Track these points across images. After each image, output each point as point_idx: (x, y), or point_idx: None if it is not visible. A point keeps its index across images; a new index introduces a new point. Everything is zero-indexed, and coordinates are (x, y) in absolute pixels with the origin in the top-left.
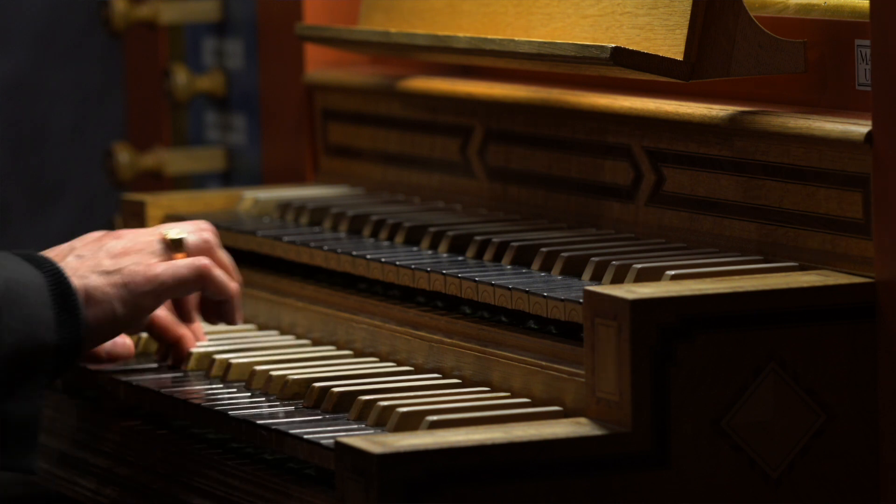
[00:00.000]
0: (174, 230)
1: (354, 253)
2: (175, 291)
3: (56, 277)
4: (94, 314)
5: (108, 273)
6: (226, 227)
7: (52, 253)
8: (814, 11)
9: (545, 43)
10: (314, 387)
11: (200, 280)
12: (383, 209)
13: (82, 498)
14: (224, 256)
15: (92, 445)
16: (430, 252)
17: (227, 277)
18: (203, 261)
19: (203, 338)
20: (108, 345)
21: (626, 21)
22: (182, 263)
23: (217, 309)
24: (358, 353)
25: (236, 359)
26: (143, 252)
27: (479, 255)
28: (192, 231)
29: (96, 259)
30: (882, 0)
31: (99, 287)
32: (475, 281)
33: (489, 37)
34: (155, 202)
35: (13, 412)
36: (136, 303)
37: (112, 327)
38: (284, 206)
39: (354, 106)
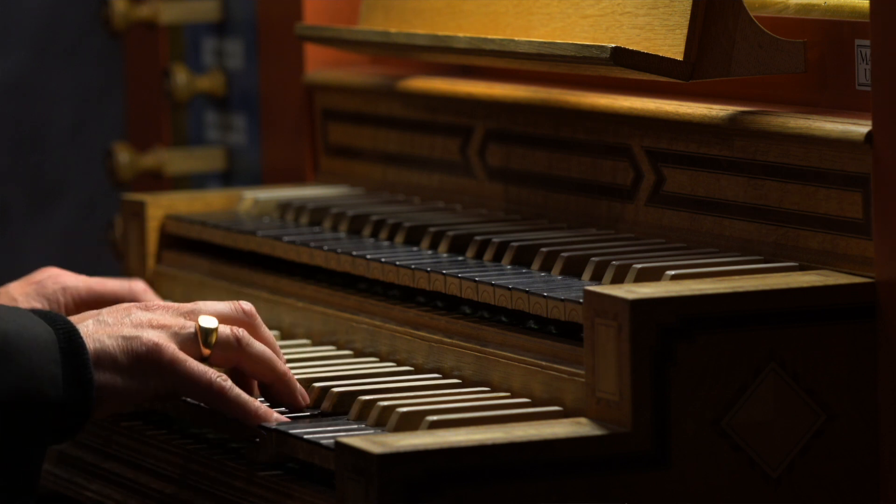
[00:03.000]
0: (208, 319)
1: (354, 253)
2: (183, 389)
3: (68, 336)
4: (102, 379)
5: (125, 339)
6: (226, 227)
7: (76, 317)
8: (814, 11)
9: (545, 43)
10: (314, 387)
11: (210, 393)
12: (383, 209)
13: (83, 499)
14: (259, 347)
15: (92, 446)
16: (430, 252)
17: (269, 361)
18: (217, 380)
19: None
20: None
21: (626, 21)
22: (198, 369)
23: (269, 392)
24: (358, 353)
25: None
26: (169, 330)
27: (479, 255)
28: (229, 312)
29: (118, 326)
30: (882, 0)
31: (109, 352)
32: (475, 281)
33: (489, 37)
34: (155, 202)
35: (8, 465)
36: (145, 378)
37: (119, 396)
38: (284, 207)
39: (354, 106)
